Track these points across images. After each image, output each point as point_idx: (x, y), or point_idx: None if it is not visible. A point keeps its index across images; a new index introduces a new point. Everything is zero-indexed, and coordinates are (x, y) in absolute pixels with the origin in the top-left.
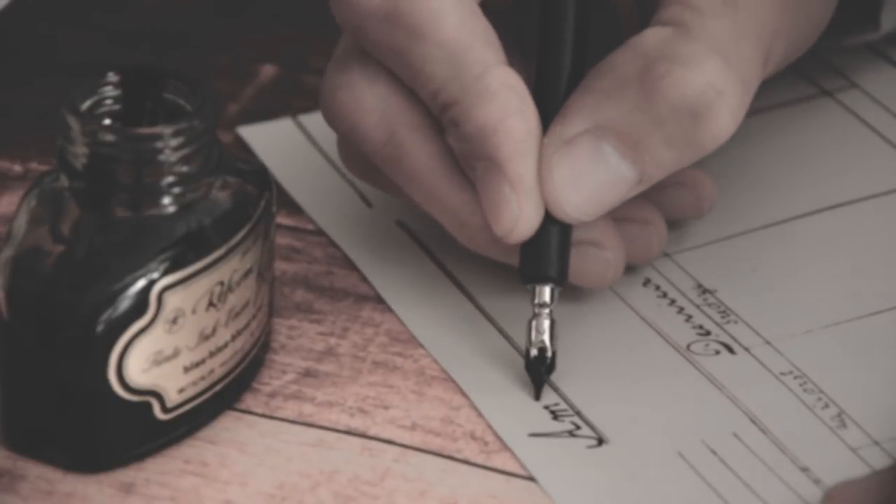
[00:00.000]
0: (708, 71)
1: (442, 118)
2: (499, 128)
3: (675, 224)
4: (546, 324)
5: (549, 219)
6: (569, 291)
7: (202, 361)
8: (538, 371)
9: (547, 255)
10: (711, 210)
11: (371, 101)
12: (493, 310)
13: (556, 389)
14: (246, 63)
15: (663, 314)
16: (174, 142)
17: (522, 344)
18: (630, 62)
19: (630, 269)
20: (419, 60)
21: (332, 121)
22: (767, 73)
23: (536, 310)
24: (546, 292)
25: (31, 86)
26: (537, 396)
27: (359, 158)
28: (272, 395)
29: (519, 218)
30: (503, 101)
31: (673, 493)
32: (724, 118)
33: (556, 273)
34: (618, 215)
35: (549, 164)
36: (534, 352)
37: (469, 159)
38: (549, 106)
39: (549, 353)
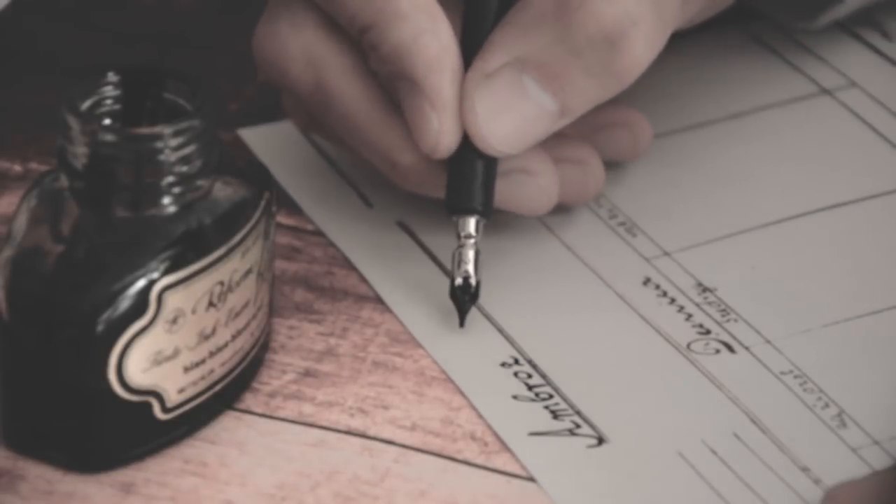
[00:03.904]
0: (622, 0)
1: (363, 45)
2: (412, 47)
3: (614, 165)
4: (471, 254)
5: (474, 151)
6: (567, 291)
7: (202, 361)
8: (462, 299)
9: (472, 187)
10: (646, 152)
11: (296, 49)
12: (493, 311)
13: (556, 389)
14: (246, 63)
15: (663, 313)
16: (174, 142)
17: (524, 346)
18: None
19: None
20: None
21: (262, 70)
22: (693, 13)
23: (462, 241)
24: (471, 224)
25: (30, 86)
26: (461, 323)
27: (300, 109)
28: (272, 395)
29: (440, 133)
30: (414, 21)
31: (673, 493)
32: (640, 47)
33: (481, 205)
34: (554, 155)
35: (472, 98)
36: (458, 281)
37: (391, 81)
38: (477, 43)
39: (473, 282)
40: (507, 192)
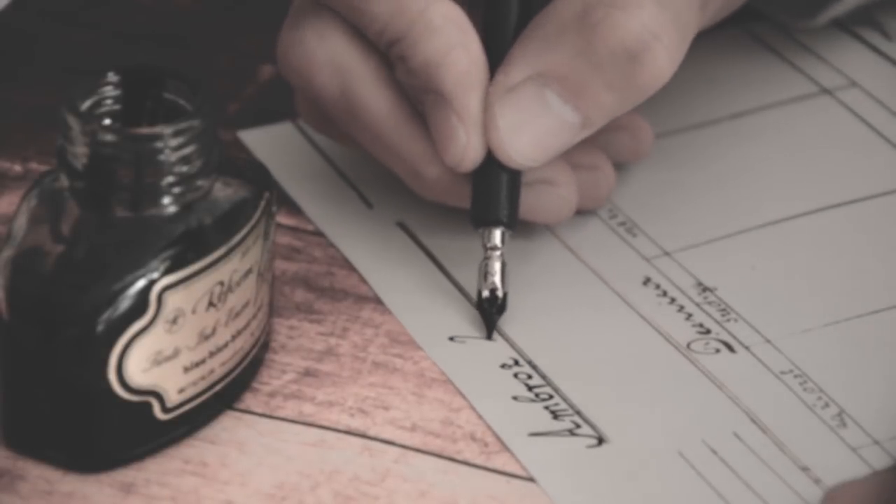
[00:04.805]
0: (644, 14)
1: (390, 56)
2: (442, 61)
3: (614, 166)
4: (497, 265)
5: (498, 164)
6: (567, 291)
7: (202, 361)
8: (490, 311)
9: (497, 199)
10: (648, 155)
11: (323, 57)
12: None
13: (556, 389)
14: (246, 63)
15: (663, 313)
16: (174, 142)
17: (524, 347)
18: (569, 8)
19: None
20: (364, 1)
21: (288, 78)
22: (709, 19)
23: (487, 253)
24: (497, 235)
25: (30, 86)
26: (489, 335)
27: (316, 113)
28: (272, 395)
29: (467, 147)
30: (446, 35)
31: (673, 492)
32: (662, 60)
33: (507, 217)
34: (569, 162)
35: (494, 112)
36: (485, 293)
37: (418, 93)
38: (498, 55)
39: (500, 294)
40: (529, 203)
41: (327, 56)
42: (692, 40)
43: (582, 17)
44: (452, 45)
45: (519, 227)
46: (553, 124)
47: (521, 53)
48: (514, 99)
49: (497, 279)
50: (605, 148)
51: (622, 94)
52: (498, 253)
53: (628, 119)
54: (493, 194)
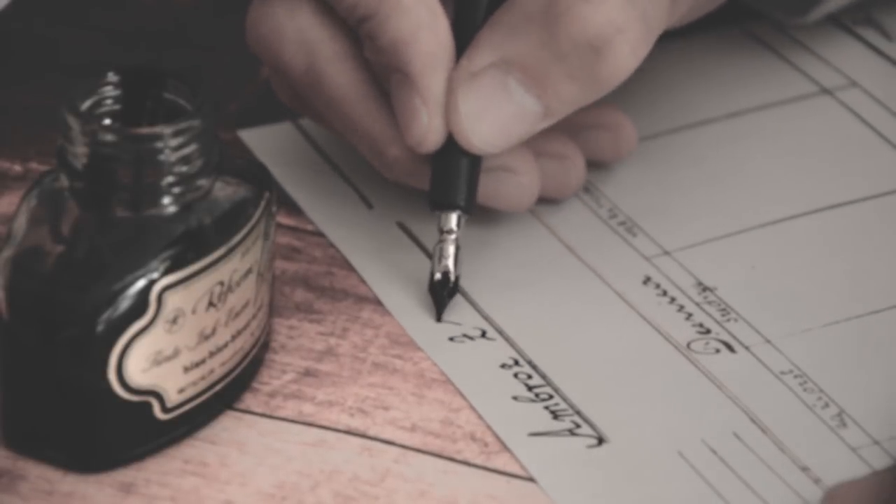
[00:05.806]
0: (608, 8)
1: (359, 33)
2: (410, 41)
3: (597, 165)
4: (451, 249)
5: (458, 149)
6: (567, 290)
7: (202, 361)
8: (441, 294)
9: (455, 183)
10: (630, 154)
11: (291, 32)
12: (493, 312)
13: (556, 389)
14: (246, 63)
15: (663, 312)
16: (174, 142)
17: (523, 347)
18: None
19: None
20: None
21: (256, 51)
22: (679, 16)
23: (442, 236)
24: (452, 219)
25: (30, 86)
26: (439, 318)
27: (289, 88)
28: (272, 395)
29: (428, 129)
30: (415, 15)
31: (673, 492)
32: (624, 55)
33: (464, 201)
34: (535, 150)
35: (456, 96)
36: (437, 275)
37: (385, 72)
38: (466, 39)
39: (453, 278)
40: (489, 189)
41: (295, 31)
42: (659, 36)
43: (548, 7)
44: (421, 26)
45: (515, 225)
46: (514, 112)
47: (486, 39)
48: (477, 85)
49: (450, 262)
50: (586, 145)
51: (584, 86)
52: (453, 237)
53: (612, 118)
54: (451, 178)
